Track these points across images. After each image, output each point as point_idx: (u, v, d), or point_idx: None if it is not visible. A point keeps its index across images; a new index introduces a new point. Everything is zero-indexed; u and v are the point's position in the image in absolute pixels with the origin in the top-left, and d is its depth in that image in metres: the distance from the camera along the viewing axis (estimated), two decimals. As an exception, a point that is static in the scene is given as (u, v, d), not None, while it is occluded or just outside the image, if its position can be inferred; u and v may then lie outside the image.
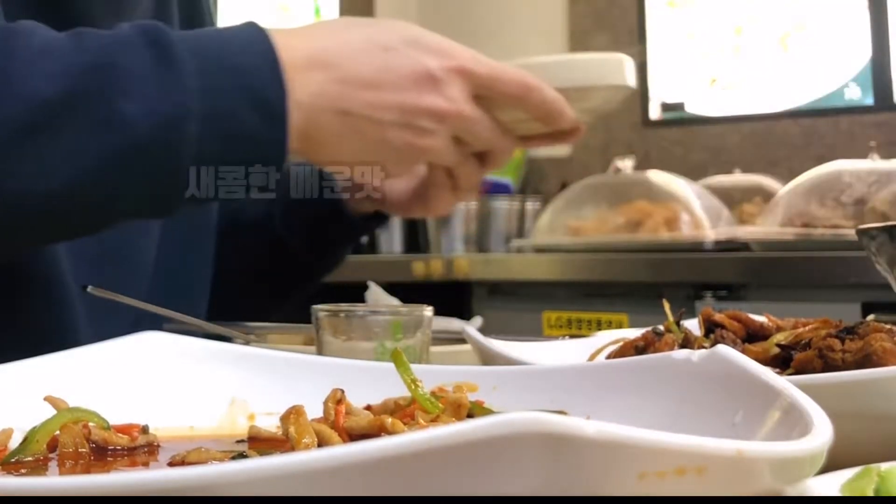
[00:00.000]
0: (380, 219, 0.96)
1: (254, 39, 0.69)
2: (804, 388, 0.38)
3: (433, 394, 0.48)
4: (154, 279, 0.91)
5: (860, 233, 0.69)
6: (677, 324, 0.65)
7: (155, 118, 0.64)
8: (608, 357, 0.64)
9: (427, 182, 0.85)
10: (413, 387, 0.47)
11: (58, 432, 0.46)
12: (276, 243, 0.98)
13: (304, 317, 0.75)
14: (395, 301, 1.01)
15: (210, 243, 0.98)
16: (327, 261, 1.01)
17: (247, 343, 0.80)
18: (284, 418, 0.45)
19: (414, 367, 0.49)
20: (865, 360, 0.51)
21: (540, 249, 2.38)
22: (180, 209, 0.69)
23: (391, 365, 0.49)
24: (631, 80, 0.83)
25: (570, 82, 0.78)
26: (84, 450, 0.46)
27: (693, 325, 0.65)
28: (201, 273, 0.98)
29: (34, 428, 0.45)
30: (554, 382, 0.51)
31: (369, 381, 0.52)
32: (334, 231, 0.96)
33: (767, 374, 0.42)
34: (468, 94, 0.73)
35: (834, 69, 2.71)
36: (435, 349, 0.76)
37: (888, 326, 0.55)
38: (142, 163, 0.65)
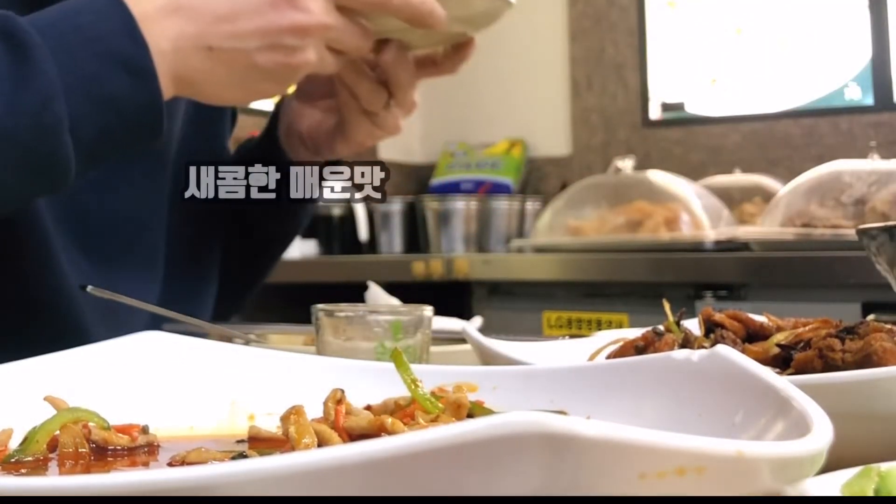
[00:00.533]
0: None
1: (103, 4, 0.70)
2: (804, 388, 0.38)
3: (433, 394, 0.48)
4: (166, 281, 0.92)
5: (860, 233, 0.69)
6: (677, 324, 0.65)
7: (19, 110, 0.65)
8: (608, 357, 0.64)
9: (341, 116, 0.88)
10: (413, 387, 0.47)
11: (58, 432, 0.46)
12: (237, 218, 0.99)
13: (304, 317, 0.75)
14: (395, 301, 1.01)
15: (215, 248, 0.98)
16: (287, 224, 1.02)
17: (247, 343, 0.80)
18: (284, 418, 0.45)
19: (414, 367, 0.49)
20: (865, 360, 0.51)
21: (540, 249, 2.38)
22: (72, 182, 0.70)
23: (391, 365, 0.49)
24: None
25: None
26: (84, 450, 0.46)
27: (693, 325, 0.65)
28: (209, 278, 0.98)
29: (34, 428, 0.45)
30: (554, 383, 0.51)
31: (369, 381, 0.52)
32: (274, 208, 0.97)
33: (767, 374, 0.42)
34: (328, 5, 0.74)
35: (834, 69, 2.71)
36: (435, 349, 0.76)
37: (888, 326, 0.55)
38: (18, 154, 0.66)
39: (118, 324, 0.82)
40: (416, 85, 0.87)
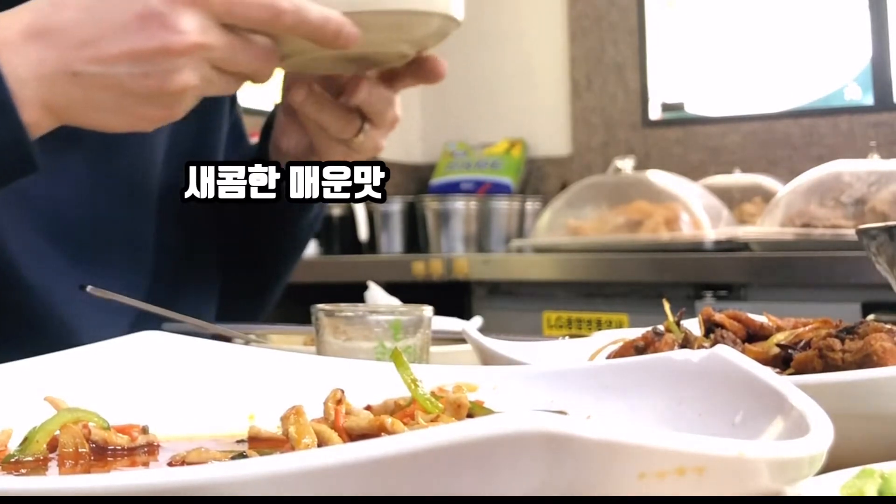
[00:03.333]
0: None
1: None
2: (804, 388, 0.38)
3: (433, 394, 0.48)
4: (154, 280, 0.91)
5: (860, 233, 0.69)
6: (677, 324, 0.65)
7: None
8: (608, 357, 0.64)
9: (312, 142, 0.86)
10: (413, 387, 0.47)
11: (58, 432, 0.46)
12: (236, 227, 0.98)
13: (304, 317, 0.75)
14: (395, 301, 1.01)
15: (208, 243, 0.98)
16: (281, 244, 1.01)
17: (247, 343, 0.80)
18: (284, 418, 0.45)
19: (414, 367, 0.49)
20: (865, 360, 0.51)
21: (540, 249, 2.38)
22: None
23: (391, 365, 0.49)
24: (449, 6, 0.75)
25: (363, 6, 0.71)
26: (84, 450, 0.46)
27: (693, 325, 0.65)
28: (204, 274, 0.98)
29: (34, 428, 0.45)
30: (554, 383, 0.51)
31: (369, 381, 0.52)
32: (277, 214, 0.96)
33: (767, 374, 0.42)
34: (205, 23, 0.67)
35: (834, 69, 2.71)
36: (435, 349, 0.76)
37: (888, 326, 0.55)
38: None
39: (111, 325, 0.82)
40: (394, 104, 0.84)
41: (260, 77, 0.73)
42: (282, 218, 0.97)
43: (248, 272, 1.03)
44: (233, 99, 1.02)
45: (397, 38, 0.76)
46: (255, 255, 1.01)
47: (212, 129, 0.97)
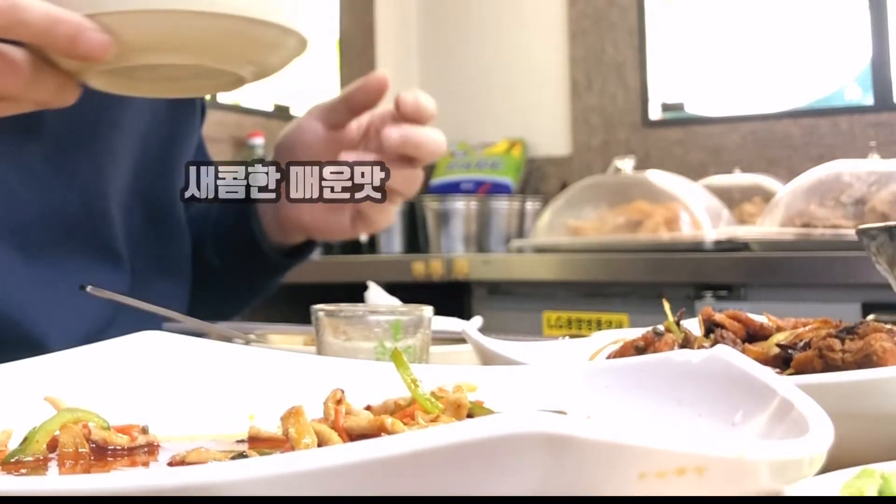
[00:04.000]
0: (309, 247, 0.96)
1: None
2: (804, 388, 0.39)
3: (433, 394, 0.48)
4: (133, 274, 0.90)
5: (860, 233, 0.69)
6: (677, 324, 0.65)
7: None
8: (608, 357, 0.64)
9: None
10: (413, 387, 0.47)
11: (58, 432, 0.46)
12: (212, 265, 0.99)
13: (304, 317, 0.75)
14: (395, 301, 1.01)
15: (181, 244, 0.97)
16: (256, 288, 1.01)
17: (247, 343, 0.80)
18: (284, 418, 0.45)
19: (414, 367, 0.49)
20: (865, 360, 0.51)
21: (540, 249, 2.38)
22: None
23: (391, 365, 0.49)
24: (231, 6, 0.58)
25: (107, 6, 0.55)
26: (84, 450, 0.46)
27: (693, 325, 0.65)
28: (175, 278, 0.97)
29: (34, 428, 0.45)
30: (554, 382, 0.51)
31: (369, 381, 0.52)
32: (254, 263, 0.96)
33: (767, 374, 0.42)
34: None
35: (834, 69, 2.71)
36: (435, 349, 0.76)
37: (888, 326, 0.55)
38: None
39: (70, 322, 0.81)
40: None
41: (30, 95, 0.59)
42: (262, 265, 0.97)
43: (218, 294, 1.02)
44: (202, 112, 1.01)
45: (195, 49, 0.61)
46: (226, 287, 1.01)
47: (180, 141, 0.96)
